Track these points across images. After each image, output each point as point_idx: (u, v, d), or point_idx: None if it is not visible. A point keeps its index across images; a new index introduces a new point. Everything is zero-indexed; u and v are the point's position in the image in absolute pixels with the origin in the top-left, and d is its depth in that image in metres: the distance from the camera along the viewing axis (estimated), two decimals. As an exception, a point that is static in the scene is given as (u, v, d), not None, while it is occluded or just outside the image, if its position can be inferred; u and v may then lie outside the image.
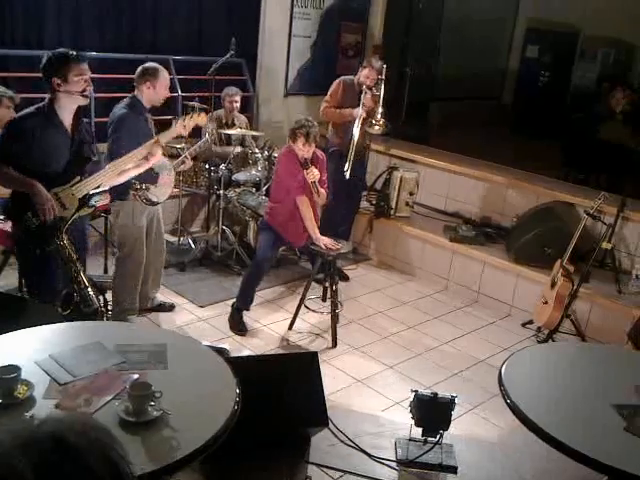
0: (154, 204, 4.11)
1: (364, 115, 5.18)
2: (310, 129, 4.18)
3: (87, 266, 3.72)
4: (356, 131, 5.17)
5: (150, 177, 3.93)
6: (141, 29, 5.93)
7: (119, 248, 4.17)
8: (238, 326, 4.38)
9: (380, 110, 5.20)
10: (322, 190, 4.36)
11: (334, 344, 4.32)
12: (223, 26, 6.27)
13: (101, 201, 4.28)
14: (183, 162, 4.43)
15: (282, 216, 4.36)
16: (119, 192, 3.90)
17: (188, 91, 5.84)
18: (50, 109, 3.24)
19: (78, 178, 3.30)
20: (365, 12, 7.39)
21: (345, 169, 5.10)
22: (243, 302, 4.42)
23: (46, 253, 3.19)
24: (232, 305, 4.46)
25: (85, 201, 3.16)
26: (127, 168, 3.59)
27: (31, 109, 3.29)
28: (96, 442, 0.80)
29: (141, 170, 3.70)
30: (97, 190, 3.30)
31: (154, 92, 3.92)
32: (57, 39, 5.36)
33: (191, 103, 5.35)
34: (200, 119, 3.91)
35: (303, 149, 4.19)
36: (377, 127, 5.24)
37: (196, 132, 5.43)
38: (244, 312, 4.44)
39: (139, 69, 3.96)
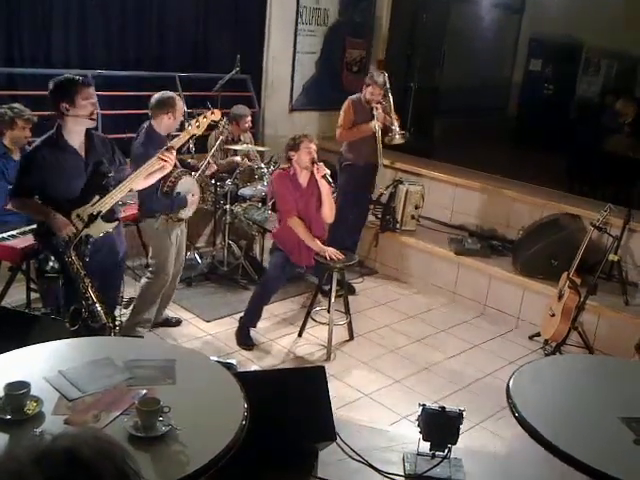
0: (182, 220, 4.20)
1: (381, 126, 5.25)
2: (307, 134, 4.43)
3: (122, 282, 3.76)
4: (380, 146, 5.27)
5: (180, 201, 4.02)
6: (147, 46, 5.99)
7: (152, 261, 4.24)
8: (245, 341, 4.38)
9: (395, 120, 5.28)
10: (332, 204, 4.44)
11: (351, 337, 4.58)
12: (228, 43, 6.33)
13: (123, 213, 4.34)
14: (207, 166, 4.49)
15: (289, 240, 4.40)
16: (145, 211, 4.02)
17: (194, 107, 5.87)
18: (59, 136, 3.29)
19: (97, 197, 3.34)
20: (369, 28, 7.45)
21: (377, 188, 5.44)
22: (250, 319, 4.42)
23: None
24: (239, 320, 4.47)
25: (95, 217, 3.20)
26: (152, 171, 3.62)
27: (39, 141, 3.37)
28: (109, 455, 0.82)
29: (164, 173, 3.72)
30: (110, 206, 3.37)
31: (174, 121, 4.01)
32: (64, 57, 5.43)
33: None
34: (214, 116, 3.93)
35: (309, 147, 4.30)
36: (398, 137, 5.32)
37: (203, 146, 5.50)
38: (250, 328, 4.45)
39: (155, 100, 3.99)
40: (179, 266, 4.42)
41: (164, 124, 3.98)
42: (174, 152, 3.69)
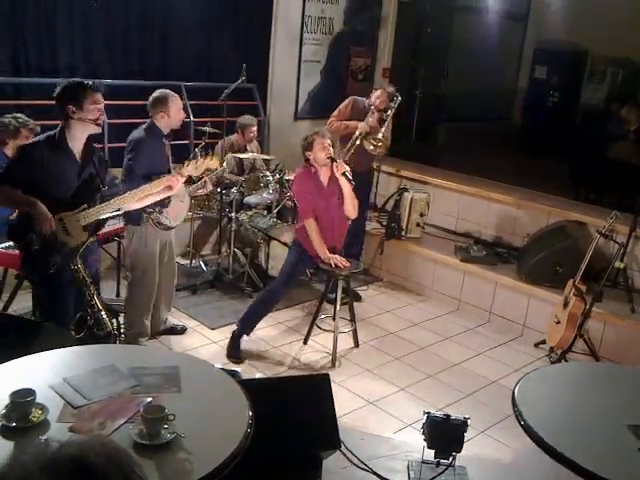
0: (167, 228, 4.15)
1: (367, 130, 5.23)
2: (317, 130, 4.39)
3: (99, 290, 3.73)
4: (357, 136, 5.23)
5: (161, 200, 3.97)
6: (152, 56, 6.02)
7: (131, 272, 4.21)
8: (235, 353, 4.30)
9: (382, 132, 5.23)
10: (355, 200, 4.43)
11: (356, 344, 4.59)
12: (234, 52, 6.36)
13: (110, 226, 4.33)
14: (202, 186, 4.46)
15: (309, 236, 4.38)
16: (132, 217, 3.96)
17: (200, 116, 5.91)
18: (61, 137, 3.27)
19: (85, 206, 3.33)
20: (374, 37, 7.48)
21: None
22: (246, 326, 4.34)
23: (49, 276, 3.23)
24: (232, 332, 4.37)
25: (93, 229, 3.20)
26: (146, 195, 3.63)
27: (42, 137, 3.35)
28: (116, 462, 0.82)
29: (160, 197, 3.76)
30: (108, 215, 3.36)
31: (169, 119, 4.00)
32: (70, 66, 5.46)
33: (204, 128, 5.40)
34: (212, 163, 3.95)
35: (323, 143, 4.27)
36: (372, 147, 5.27)
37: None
38: (244, 337, 4.37)
39: (150, 100, 4.01)
40: (169, 275, 4.38)
41: (162, 123, 4.00)
42: (182, 179, 3.77)
